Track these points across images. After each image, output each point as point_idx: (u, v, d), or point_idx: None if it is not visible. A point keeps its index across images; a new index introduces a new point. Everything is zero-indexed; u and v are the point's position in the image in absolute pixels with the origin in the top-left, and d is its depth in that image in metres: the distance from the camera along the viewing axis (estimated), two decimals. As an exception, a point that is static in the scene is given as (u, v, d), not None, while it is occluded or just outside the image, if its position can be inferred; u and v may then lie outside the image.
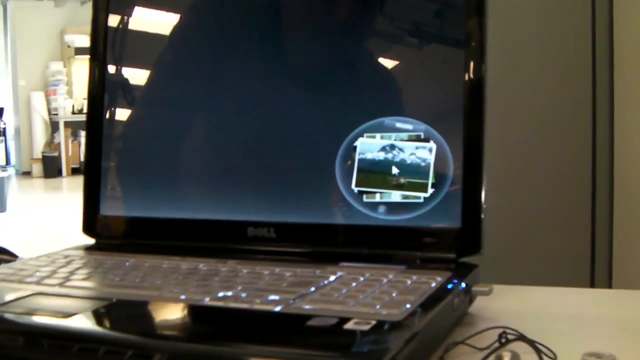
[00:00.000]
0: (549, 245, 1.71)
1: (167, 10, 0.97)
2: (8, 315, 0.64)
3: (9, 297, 0.69)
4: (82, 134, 12.27)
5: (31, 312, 0.65)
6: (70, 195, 10.57)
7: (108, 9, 0.98)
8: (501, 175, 1.52)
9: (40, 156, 12.32)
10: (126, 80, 0.98)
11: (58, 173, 12.18)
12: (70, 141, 12.49)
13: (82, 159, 12.27)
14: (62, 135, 12.44)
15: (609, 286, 1.68)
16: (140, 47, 0.99)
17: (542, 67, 1.67)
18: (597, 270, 1.70)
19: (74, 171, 12.36)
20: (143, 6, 0.99)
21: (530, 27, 1.64)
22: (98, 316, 0.65)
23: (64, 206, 8.76)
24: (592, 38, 1.67)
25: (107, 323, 0.66)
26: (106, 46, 0.97)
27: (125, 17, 0.98)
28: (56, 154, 12.29)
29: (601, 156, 1.68)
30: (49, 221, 7.42)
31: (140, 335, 0.60)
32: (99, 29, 0.98)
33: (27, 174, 12.33)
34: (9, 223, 7.12)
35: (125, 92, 0.97)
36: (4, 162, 11.83)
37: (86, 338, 0.59)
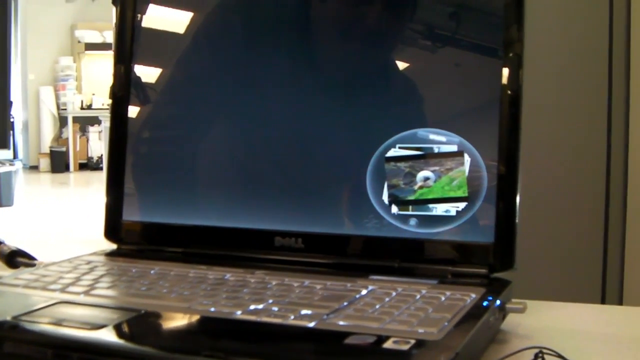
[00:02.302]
0: (561, 261, 1.69)
1: (195, 13, 0.96)
2: (35, 326, 0.63)
3: (33, 305, 0.68)
4: (91, 129, 12.30)
5: (58, 323, 0.63)
6: (77, 190, 10.59)
7: (134, 7, 0.96)
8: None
9: (48, 151, 12.33)
10: (151, 84, 0.96)
11: (65, 168, 12.19)
12: (78, 136, 12.50)
13: (89, 154, 12.30)
14: (70, 130, 12.44)
15: (620, 302, 1.67)
16: (166, 50, 0.98)
17: (558, 68, 1.66)
18: (608, 286, 1.69)
19: (82, 166, 12.38)
20: (169, 7, 0.98)
21: (546, 29, 1.63)
22: (127, 329, 0.63)
23: (71, 201, 8.77)
24: (609, 38, 1.66)
25: (137, 336, 0.64)
26: (131, 47, 0.96)
27: (152, 18, 0.97)
28: (64, 149, 12.29)
29: (615, 171, 1.67)
30: (56, 216, 7.42)
31: (172, 350, 0.59)
32: (124, 28, 0.96)
33: (35, 168, 12.33)
34: (16, 217, 7.11)
35: (150, 97, 0.96)
36: (11, 156, 11.83)
37: (117, 352, 0.58)
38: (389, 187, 0.82)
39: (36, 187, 10.63)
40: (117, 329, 0.62)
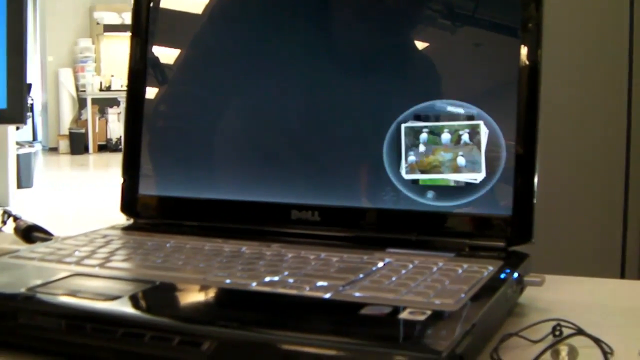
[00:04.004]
0: (580, 236, 1.69)
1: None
2: (49, 297, 0.63)
3: (49, 277, 0.68)
4: (110, 111, 12.33)
5: (73, 294, 0.63)
6: (96, 172, 10.63)
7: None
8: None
9: (67, 132, 12.37)
10: (167, 59, 0.96)
11: (85, 150, 12.23)
12: (97, 118, 12.54)
13: (108, 136, 12.33)
14: (89, 112, 12.48)
15: (640, 277, 1.66)
16: (182, 27, 0.97)
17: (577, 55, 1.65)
18: (628, 261, 1.68)
19: (101, 148, 12.42)
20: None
21: (566, 26, 1.63)
22: (142, 300, 0.63)
23: (90, 183, 8.80)
24: (630, 35, 1.65)
25: (152, 307, 0.64)
26: (147, 26, 0.95)
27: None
28: (83, 130, 12.34)
29: (636, 142, 1.66)
30: (76, 197, 7.45)
31: (187, 321, 0.59)
32: (141, 6, 0.96)
33: (54, 150, 12.38)
34: (36, 199, 7.14)
35: (167, 72, 0.96)
36: (31, 138, 11.88)
37: (131, 323, 0.58)
38: (406, 156, 0.81)
39: (55, 169, 10.68)
40: (132, 300, 0.62)
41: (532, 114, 0.77)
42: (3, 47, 1.14)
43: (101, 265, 0.72)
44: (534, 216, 0.76)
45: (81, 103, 12.71)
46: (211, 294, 0.65)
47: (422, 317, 0.55)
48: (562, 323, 0.63)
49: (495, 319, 0.64)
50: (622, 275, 1.66)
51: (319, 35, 0.88)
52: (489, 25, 0.82)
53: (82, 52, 12.72)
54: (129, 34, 0.97)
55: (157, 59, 0.95)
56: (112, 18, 12.68)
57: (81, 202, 6.97)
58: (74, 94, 12.68)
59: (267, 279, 0.66)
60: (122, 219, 0.96)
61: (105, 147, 12.43)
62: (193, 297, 0.66)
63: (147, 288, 0.65)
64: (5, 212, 1.07)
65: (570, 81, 1.64)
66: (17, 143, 7.02)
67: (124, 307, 0.61)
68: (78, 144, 12.17)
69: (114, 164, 10.12)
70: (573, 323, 0.63)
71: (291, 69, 0.89)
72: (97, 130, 12.50)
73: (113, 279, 0.68)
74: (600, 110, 1.68)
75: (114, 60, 12.56)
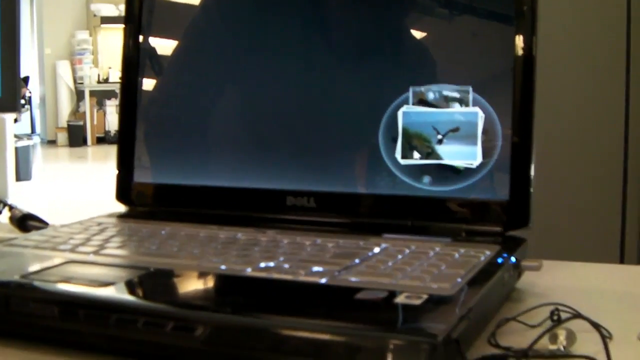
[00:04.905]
0: (579, 221, 1.69)
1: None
2: (42, 284, 0.62)
3: (42, 264, 0.67)
4: (108, 103, 12.33)
5: (66, 281, 0.63)
6: (95, 164, 10.62)
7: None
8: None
9: (65, 125, 12.37)
10: (161, 47, 0.96)
11: (83, 142, 12.23)
12: (95, 110, 12.54)
13: (107, 128, 12.33)
14: (87, 104, 12.48)
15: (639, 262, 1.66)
16: (175, 14, 0.97)
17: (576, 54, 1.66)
18: (627, 246, 1.68)
19: (99, 140, 12.42)
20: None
21: (564, 24, 1.63)
22: (136, 286, 0.63)
23: (89, 175, 8.79)
24: (627, 34, 1.65)
25: (145, 293, 0.64)
26: (141, 14, 0.95)
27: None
28: (81, 123, 12.34)
29: (634, 126, 1.66)
30: (74, 190, 7.45)
31: (181, 306, 0.58)
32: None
33: (52, 142, 12.38)
34: (34, 191, 7.14)
35: (160, 60, 0.95)
36: (29, 131, 11.88)
37: (124, 308, 0.57)
38: (403, 143, 0.81)
39: (54, 162, 10.67)
40: (125, 286, 0.62)
41: (528, 99, 0.77)
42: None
43: (95, 253, 0.71)
44: (531, 201, 0.76)
45: (79, 95, 12.71)
46: (206, 279, 0.65)
47: (418, 302, 0.55)
48: (560, 308, 0.63)
49: (492, 303, 0.64)
50: (622, 261, 1.66)
51: (314, 21, 0.88)
52: (485, 13, 0.81)
53: (79, 44, 12.71)
54: (126, 25, 0.97)
55: (151, 48, 0.95)
56: (109, 10, 12.67)
57: (80, 195, 6.97)
58: (72, 86, 12.67)
59: (263, 264, 0.65)
60: (121, 210, 0.96)
61: (104, 139, 12.42)
62: (187, 283, 0.66)
63: (141, 274, 0.64)
64: (0, 201, 1.06)
65: (569, 71, 1.65)
66: (16, 136, 7.02)
67: (118, 293, 0.60)
68: (76, 137, 12.17)
69: (112, 156, 10.05)
70: (571, 307, 0.63)
71: (285, 56, 0.88)
72: (95, 122, 12.50)
73: (107, 265, 0.68)
74: (598, 95, 1.68)
75: (111, 52, 12.55)
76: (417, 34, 0.86)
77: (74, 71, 12.71)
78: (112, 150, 10.60)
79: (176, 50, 0.96)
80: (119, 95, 0.98)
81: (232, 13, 0.92)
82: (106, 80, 12.65)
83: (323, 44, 0.87)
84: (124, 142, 0.95)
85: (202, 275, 0.65)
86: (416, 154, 0.80)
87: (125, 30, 0.95)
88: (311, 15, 0.88)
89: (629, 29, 1.65)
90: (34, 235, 0.80)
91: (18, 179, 6.92)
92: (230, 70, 0.92)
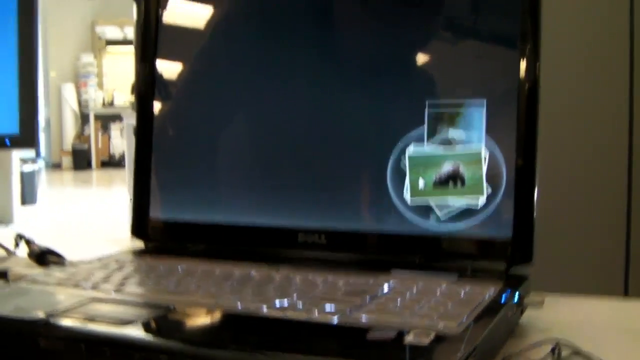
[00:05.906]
0: (583, 254, 1.69)
1: (214, 6, 0.97)
2: (68, 322, 0.65)
3: (66, 302, 0.70)
4: (112, 126, 12.33)
5: (91, 319, 0.65)
6: (99, 188, 10.62)
7: (155, 2, 0.98)
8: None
9: (70, 148, 12.38)
10: (174, 81, 0.98)
11: (87, 166, 12.24)
12: (100, 134, 12.55)
13: (111, 151, 12.33)
14: (92, 127, 12.49)
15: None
16: (187, 47, 0.99)
17: (578, 68, 1.66)
18: (631, 280, 1.68)
19: (104, 164, 12.42)
20: (189, 0, 1.00)
21: (566, 27, 1.63)
22: (158, 324, 0.65)
23: (94, 199, 8.80)
24: (630, 35, 1.66)
25: (168, 331, 0.66)
26: (154, 44, 0.97)
27: (172, 12, 0.98)
28: (86, 146, 12.35)
29: (638, 162, 1.66)
30: (79, 214, 7.46)
31: (202, 345, 0.61)
32: (146, 23, 0.98)
33: (57, 166, 12.38)
34: (39, 215, 7.15)
35: (174, 94, 0.98)
36: (33, 154, 11.88)
37: (148, 347, 0.60)
38: (410, 182, 0.83)
39: (59, 186, 10.67)
40: (147, 324, 0.64)
41: (531, 135, 0.80)
42: (14, 73, 1.16)
43: (117, 290, 0.74)
44: (534, 238, 0.79)
45: (84, 118, 12.73)
46: (223, 318, 0.68)
47: (426, 341, 0.57)
48: (562, 343, 0.65)
49: (496, 340, 0.67)
50: (626, 292, 1.67)
51: (325, 56, 0.90)
52: (490, 42, 0.84)
53: (84, 67, 12.75)
54: (131, 48, 0.99)
55: (165, 82, 0.97)
56: (114, 32, 12.71)
57: (86, 219, 6.98)
58: (77, 109, 12.69)
59: (277, 302, 0.68)
60: (125, 236, 0.98)
61: (108, 162, 12.44)
62: (206, 321, 0.68)
63: (162, 313, 0.67)
64: (18, 235, 1.09)
65: (570, 90, 1.64)
66: (21, 160, 7.03)
67: (140, 332, 0.63)
68: (81, 160, 12.19)
69: (117, 179, 10.13)
70: (572, 343, 0.65)
71: (298, 92, 0.91)
72: (99, 146, 12.52)
73: (129, 304, 0.70)
74: (600, 128, 1.68)
75: (116, 74, 12.57)
76: (426, 71, 0.88)
77: (78, 94, 12.73)
78: (116, 174, 10.53)
79: (187, 85, 0.98)
80: (135, 131, 1.00)
81: (244, 47, 0.94)
82: (111, 103, 12.67)
83: (334, 84, 0.89)
84: (139, 178, 0.97)
85: (220, 313, 0.68)
86: (423, 193, 0.83)
87: (137, 61, 0.97)
88: (323, 51, 0.90)
89: (632, 29, 1.65)
90: (55, 272, 0.82)
91: (23, 202, 6.93)
92: (243, 107, 0.94)
